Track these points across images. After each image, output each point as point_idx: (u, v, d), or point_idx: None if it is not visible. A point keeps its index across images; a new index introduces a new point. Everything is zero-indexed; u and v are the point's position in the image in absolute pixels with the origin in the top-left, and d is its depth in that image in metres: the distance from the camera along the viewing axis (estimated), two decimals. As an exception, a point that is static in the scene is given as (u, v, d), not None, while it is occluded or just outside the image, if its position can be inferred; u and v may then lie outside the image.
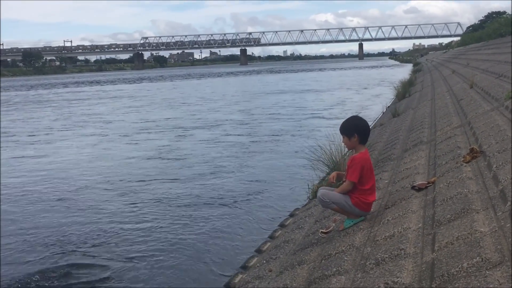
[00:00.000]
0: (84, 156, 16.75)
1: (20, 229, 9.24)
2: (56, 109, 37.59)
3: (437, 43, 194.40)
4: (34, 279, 6.94)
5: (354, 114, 5.23)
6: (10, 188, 12.51)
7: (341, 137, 5.23)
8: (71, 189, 12.23)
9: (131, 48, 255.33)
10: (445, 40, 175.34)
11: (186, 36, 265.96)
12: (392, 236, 4.24)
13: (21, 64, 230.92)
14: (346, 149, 5.52)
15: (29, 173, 14.29)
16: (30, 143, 20.56)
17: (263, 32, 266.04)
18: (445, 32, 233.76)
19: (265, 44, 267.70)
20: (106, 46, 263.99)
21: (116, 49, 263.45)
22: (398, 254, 3.76)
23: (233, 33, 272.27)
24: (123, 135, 21.49)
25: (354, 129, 5.05)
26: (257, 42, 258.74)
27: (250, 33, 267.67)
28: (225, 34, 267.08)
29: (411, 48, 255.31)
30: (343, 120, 5.30)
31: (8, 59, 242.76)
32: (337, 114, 25.18)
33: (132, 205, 10.42)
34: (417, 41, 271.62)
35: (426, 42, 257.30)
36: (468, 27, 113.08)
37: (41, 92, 69.08)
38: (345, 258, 4.27)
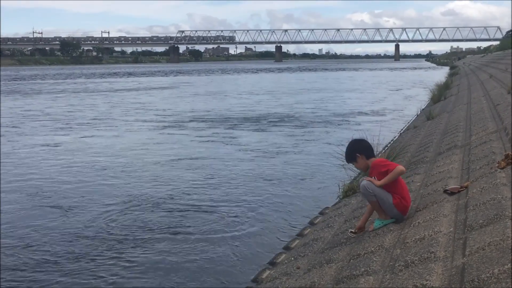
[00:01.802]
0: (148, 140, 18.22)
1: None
2: (107, 98, 39.57)
3: (475, 47, 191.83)
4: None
5: (352, 139, 5.33)
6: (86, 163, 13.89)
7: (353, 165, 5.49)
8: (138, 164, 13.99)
9: (171, 41, 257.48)
10: (484, 44, 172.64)
11: (222, 31, 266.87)
12: (423, 239, 4.22)
13: (59, 53, 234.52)
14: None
15: (105, 150, 16.39)
16: (95, 126, 22.41)
17: (299, 30, 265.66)
18: (484, 36, 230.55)
19: (300, 42, 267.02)
20: (147, 38, 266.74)
21: (157, 41, 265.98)
22: (428, 257, 3.75)
23: (269, 30, 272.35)
24: (179, 123, 22.78)
25: (353, 152, 5.24)
26: (232, 40, 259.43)
27: (286, 30, 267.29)
28: (260, 31, 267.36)
29: (449, 51, 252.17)
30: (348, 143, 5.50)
31: (46, 48, 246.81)
32: (371, 114, 25.02)
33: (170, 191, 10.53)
34: (454, 44, 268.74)
35: (464, 45, 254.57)
36: (507, 32, 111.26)
37: (90, 81, 71.33)
38: (374, 259, 4.27)
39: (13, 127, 21.87)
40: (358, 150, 5.17)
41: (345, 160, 5.54)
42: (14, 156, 15.15)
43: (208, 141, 17.73)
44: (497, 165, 5.53)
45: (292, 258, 5.81)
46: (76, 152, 15.90)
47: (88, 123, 23.31)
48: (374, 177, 5.03)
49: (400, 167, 4.91)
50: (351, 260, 4.53)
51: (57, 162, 14.40)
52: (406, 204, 5.02)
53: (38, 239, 8.13)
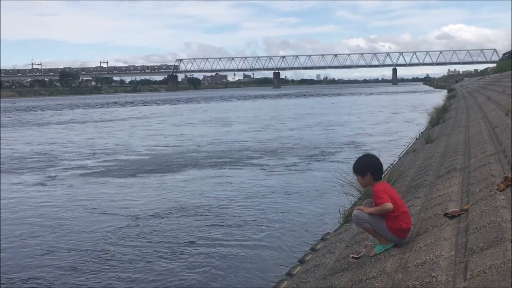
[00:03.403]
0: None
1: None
2: (119, 126, 41.28)
3: (472, 69, 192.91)
4: None
5: (369, 151, 5.33)
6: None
7: (356, 176, 5.33)
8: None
9: (170, 70, 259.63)
10: (481, 67, 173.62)
11: (220, 58, 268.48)
12: (424, 263, 4.22)
13: (58, 84, 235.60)
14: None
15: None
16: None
17: (297, 56, 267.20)
18: (481, 59, 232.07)
19: (298, 68, 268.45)
20: (146, 68, 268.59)
21: (158, 70, 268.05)
22: (430, 282, 3.75)
23: (266, 56, 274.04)
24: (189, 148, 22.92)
25: (366, 168, 5.14)
26: (176, 69, 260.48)
27: (283, 57, 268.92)
28: (258, 57, 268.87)
29: (446, 74, 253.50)
30: (357, 157, 5.43)
31: (46, 79, 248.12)
32: (369, 139, 25.11)
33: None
34: (451, 67, 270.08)
35: (461, 68, 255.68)
36: (504, 54, 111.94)
37: (95, 110, 72.76)
38: (376, 284, 4.26)
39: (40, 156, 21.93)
40: (370, 169, 5.11)
41: (352, 171, 5.41)
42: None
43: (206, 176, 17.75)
44: (497, 187, 5.55)
45: (294, 285, 5.79)
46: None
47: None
48: (365, 205, 5.12)
49: (388, 206, 4.88)
50: (353, 286, 4.52)
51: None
52: (401, 226, 4.98)
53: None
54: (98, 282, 7.60)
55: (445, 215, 5.39)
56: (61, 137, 32.22)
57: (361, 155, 5.58)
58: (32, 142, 29.72)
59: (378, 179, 5.16)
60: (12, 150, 25.18)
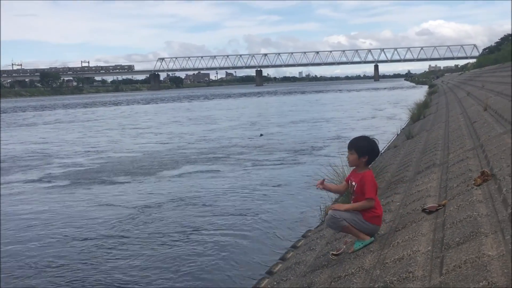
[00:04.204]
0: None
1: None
2: (107, 125, 42.30)
3: (453, 65, 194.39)
4: None
5: (368, 135, 5.29)
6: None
7: (348, 150, 5.14)
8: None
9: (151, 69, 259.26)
10: (461, 62, 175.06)
11: (202, 57, 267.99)
12: (402, 258, 4.24)
13: (39, 85, 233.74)
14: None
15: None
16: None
17: (279, 53, 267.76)
18: (461, 54, 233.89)
19: (280, 65, 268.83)
20: (126, 67, 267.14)
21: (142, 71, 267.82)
22: (407, 277, 3.77)
23: (248, 54, 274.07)
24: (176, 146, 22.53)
25: (369, 151, 5.09)
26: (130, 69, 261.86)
27: (265, 54, 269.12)
28: (240, 55, 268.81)
29: (427, 70, 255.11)
30: (360, 136, 5.34)
31: (26, 80, 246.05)
32: (350, 135, 25.19)
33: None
34: (432, 63, 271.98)
35: (441, 64, 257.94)
36: (484, 49, 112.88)
37: (78, 110, 72.82)
38: (355, 281, 4.28)
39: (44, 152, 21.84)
40: (370, 153, 5.07)
41: (349, 146, 5.13)
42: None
43: (193, 171, 17.73)
44: (474, 182, 5.59)
45: (275, 283, 5.80)
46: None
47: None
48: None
49: (372, 203, 4.93)
50: (332, 283, 4.54)
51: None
52: (376, 214, 5.02)
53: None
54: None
55: (423, 210, 5.42)
56: (52, 137, 32.60)
57: (361, 135, 5.45)
58: (25, 141, 30.16)
59: (368, 165, 5.18)
60: (6, 150, 25.60)
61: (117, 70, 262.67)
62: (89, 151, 23.71)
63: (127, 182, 15.62)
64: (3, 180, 16.70)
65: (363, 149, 5.08)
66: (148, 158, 20.83)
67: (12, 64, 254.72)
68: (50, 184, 15.64)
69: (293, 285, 5.21)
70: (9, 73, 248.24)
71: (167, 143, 25.90)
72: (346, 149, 5.13)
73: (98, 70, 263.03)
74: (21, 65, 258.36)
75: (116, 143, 27.34)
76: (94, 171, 17.75)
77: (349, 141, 5.23)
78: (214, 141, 25.75)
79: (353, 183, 5.09)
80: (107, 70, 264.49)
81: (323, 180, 5.26)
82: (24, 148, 26.15)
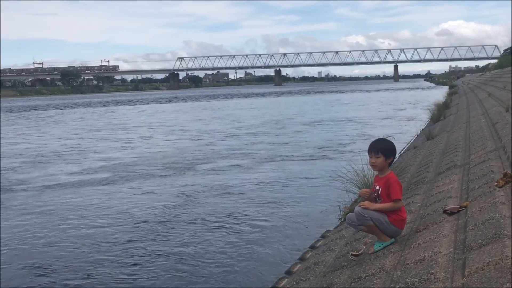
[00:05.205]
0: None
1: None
2: (134, 122, 43.72)
3: (474, 66, 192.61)
4: None
5: (388, 136, 5.27)
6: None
7: (372, 154, 5.07)
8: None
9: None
10: (482, 63, 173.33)
11: (221, 56, 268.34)
12: (423, 260, 4.21)
13: (59, 83, 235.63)
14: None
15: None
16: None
17: (298, 53, 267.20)
18: (482, 55, 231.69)
19: (299, 65, 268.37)
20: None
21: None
22: (428, 279, 3.74)
23: (267, 54, 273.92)
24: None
25: (393, 152, 5.14)
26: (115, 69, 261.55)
27: (284, 54, 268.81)
28: (259, 55, 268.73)
29: (447, 70, 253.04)
30: (377, 138, 5.32)
31: (47, 78, 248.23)
32: (371, 136, 25.07)
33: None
34: (453, 63, 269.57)
35: (462, 65, 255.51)
36: (505, 50, 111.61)
37: (105, 108, 74.16)
38: (375, 281, 4.26)
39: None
40: (393, 153, 5.11)
41: (371, 149, 5.07)
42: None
43: (211, 169, 17.81)
44: (496, 183, 5.53)
45: (294, 283, 5.79)
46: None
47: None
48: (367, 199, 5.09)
49: (399, 204, 4.91)
50: (352, 284, 4.52)
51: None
52: (401, 217, 4.99)
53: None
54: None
55: (445, 211, 5.37)
56: (83, 133, 33.53)
57: (378, 138, 5.45)
58: (62, 137, 31.45)
59: (389, 165, 5.17)
60: (45, 145, 26.64)
61: (102, 71, 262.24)
62: (124, 147, 24.89)
63: (163, 175, 16.38)
64: (45, 172, 17.59)
65: (388, 150, 5.08)
66: (180, 153, 21.61)
67: (34, 63, 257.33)
68: (91, 177, 16.52)
69: (312, 285, 5.20)
70: (28, 71, 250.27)
71: (197, 140, 26.74)
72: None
73: (83, 70, 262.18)
74: (42, 63, 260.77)
75: (148, 139, 28.35)
76: (132, 165, 18.80)
77: (369, 145, 5.18)
78: (241, 138, 26.36)
79: (377, 187, 5.06)
80: (92, 70, 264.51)
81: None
82: (61, 143, 27.35)
